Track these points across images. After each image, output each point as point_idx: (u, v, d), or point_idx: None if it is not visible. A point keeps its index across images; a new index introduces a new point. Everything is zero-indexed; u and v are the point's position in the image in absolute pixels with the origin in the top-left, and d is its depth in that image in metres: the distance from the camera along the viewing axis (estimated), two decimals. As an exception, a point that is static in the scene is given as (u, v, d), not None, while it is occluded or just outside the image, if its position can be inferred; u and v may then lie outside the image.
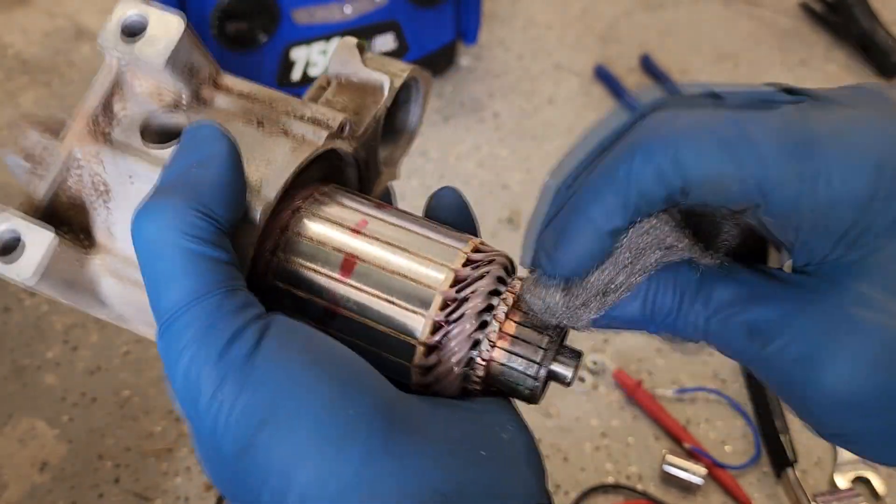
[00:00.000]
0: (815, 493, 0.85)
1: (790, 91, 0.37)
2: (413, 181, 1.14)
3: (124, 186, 0.44)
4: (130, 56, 0.43)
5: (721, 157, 0.34)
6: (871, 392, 0.34)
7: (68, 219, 0.44)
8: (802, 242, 0.35)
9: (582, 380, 0.93)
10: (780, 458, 0.87)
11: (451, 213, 0.47)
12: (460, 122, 1.22)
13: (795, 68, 1.34)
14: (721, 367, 0.96)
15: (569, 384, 0.42)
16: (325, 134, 0.45)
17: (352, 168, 0.50)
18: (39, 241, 0.41)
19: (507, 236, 1.08)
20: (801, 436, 0.90)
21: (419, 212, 0.48)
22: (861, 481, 0.87)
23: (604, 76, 1.28)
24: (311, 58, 1.14)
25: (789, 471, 0.86)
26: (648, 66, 1.31)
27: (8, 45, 1.29)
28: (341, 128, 0.46)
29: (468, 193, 1.18)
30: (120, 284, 0.43)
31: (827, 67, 1.34)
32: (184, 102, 0.45)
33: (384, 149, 0.53)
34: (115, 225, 0.43)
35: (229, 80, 0.47)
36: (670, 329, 0.39)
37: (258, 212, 0.41)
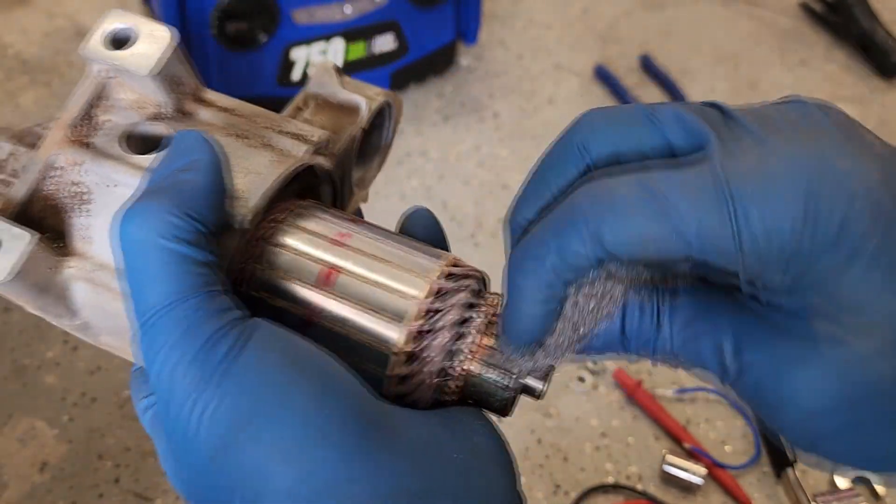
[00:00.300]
0: (815, 493, 0.85)
1: (719, 109, 0.37)
2: (413, 181, 1.14)
3: (105, 193, 0.44)
4: (117, 66, 0.44)
5: (639, 221, 0.35)
6: (830, 394, 0.36)
7: (41, 224, 0.44)
8: (747, 276, 0.36)
9: (582, 380, 0.93)
10: (780, 458, 0.87)
11: (424, 232, 0.48)
12: (460, 122, 1.22)
13: (795, 68, 1.34)
14: (721, 367, 0.96)
15: (539, 397, 0.43)
16: (305, 148, 0.46)
17: (327, 185, 0.51)
18: (16, 242, 0.41)
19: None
20: (801, 436, 0.90)
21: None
22: (861, 481, 0.87)
23: (604, 76, 1.28)
24: (311, 58, 1.14)
25: (789, 471, 0.86)
26: (648, 66, 1.31)
27: (8, 45, 1.29)
28: (322, 143, 0.47)
29: (468, 193, 1.17)
30: (93, 290, 0.44)
31: (827, 67, 1.34)
32: (166, 114, 0.46)
33: (356, 171, 0.55)
34: (92, 231, 0.44)
35: (211, 94, 0.48)
36: (646, 350, 0.41)
37: (243, 219, 0.42)
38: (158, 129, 0.46)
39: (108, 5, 1.34)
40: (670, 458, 0.86)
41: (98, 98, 0.46)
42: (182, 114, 0.47)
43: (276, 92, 1.14)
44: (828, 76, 1.33)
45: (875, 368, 0.35)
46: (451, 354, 0.42)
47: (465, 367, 0.42)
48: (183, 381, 0.36)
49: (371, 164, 0.57)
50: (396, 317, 0.42)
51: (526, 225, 0.40)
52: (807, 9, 1.42)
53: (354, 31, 1.14)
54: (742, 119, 0.37)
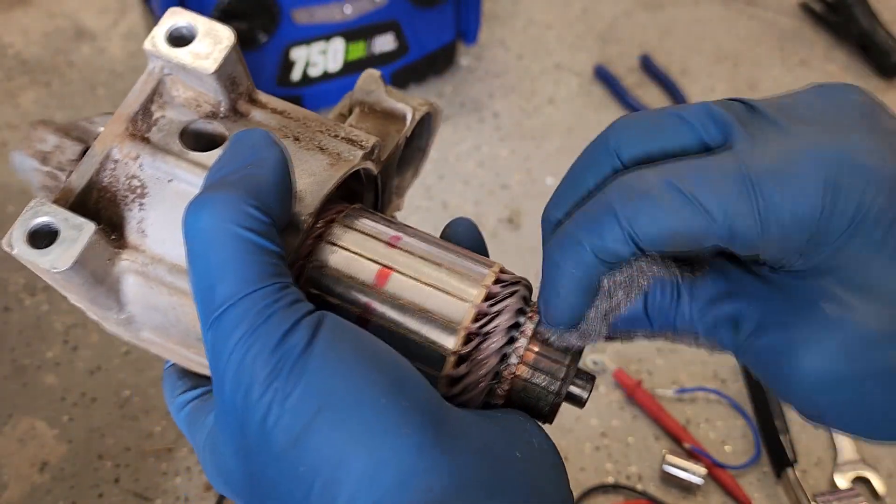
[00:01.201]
0: (815, 493, 0.85)
1: (744, 103, 0.40)
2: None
3: (161, 187, 0.45)
4: (176, 64, 0.44)
5: (669, 214, 0.37)
6: (837, 372, 0.39)
7: (97, 215, 0.44)
8: (768, 258, 0.38)
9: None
10: (780, 458, 0.87)
11: (468, 241, 0.49)
12: (460, 122, 1.22)
13: (795, 68, 1.34)
14: (721, 367, 0.96)
15: (583, 405, 0.44)
16: (360, 153, 0.47)
17: (370, 191, 0.52)
18: (77, 230, 0.42)
19: (507, 236, 1.08)
20: (801, 436, 0.90)
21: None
22: (861, 481, 0.87)
23: (604, 76, 1.28)
24: (311, 58, 1.14)
25: (789, 471, 0.86)
26: (648, 66, 1.31)
27: (8, 45, 1.29)
28: (374, 148, 0.48)
29: (468, 193, 1.17)
30: (146, 284, 0.44)
31: (827, 67, 1.35)
32: (222, 113, 0.47)
33: (396, 178, 0.56)
34: (148, 224, 0.44)
35: (263, 96, 0.49)
36: (668, 325, 0.43)
37: (303, 218, 0.43)
38: (215, 127, 0.47)
39: (109, 5, 1.35)
40: (670, 458, 0.86)
41: (156, 93, 0.47)
42: (237, 113, 0.47)
43: (276, 92, 1.13)
44: (828, 76, 1.33)
45: (880, 349, 0.38)
46: (503, 358, 0.43)
47: (515, 371, 0.43)
48: (263, 369, 0.36)
49: (406, 172, 0.58)
50: (452, 319, 0.43)
51: (559, 219, 0.42)
52: (807, 9, 1.42)
53: (354, 31, 1.14)
54: (766, 111, 0.39)
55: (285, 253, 0.40)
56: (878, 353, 0.38)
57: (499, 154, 1.19)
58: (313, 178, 0.44)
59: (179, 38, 0.45)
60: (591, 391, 0.45)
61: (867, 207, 0.36)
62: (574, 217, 0.40)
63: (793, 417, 0.91)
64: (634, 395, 0.92)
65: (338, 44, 1.14)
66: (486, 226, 1.09)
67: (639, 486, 0.87)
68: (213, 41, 0.45)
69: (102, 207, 0.45)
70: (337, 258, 0.44)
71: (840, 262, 0.38)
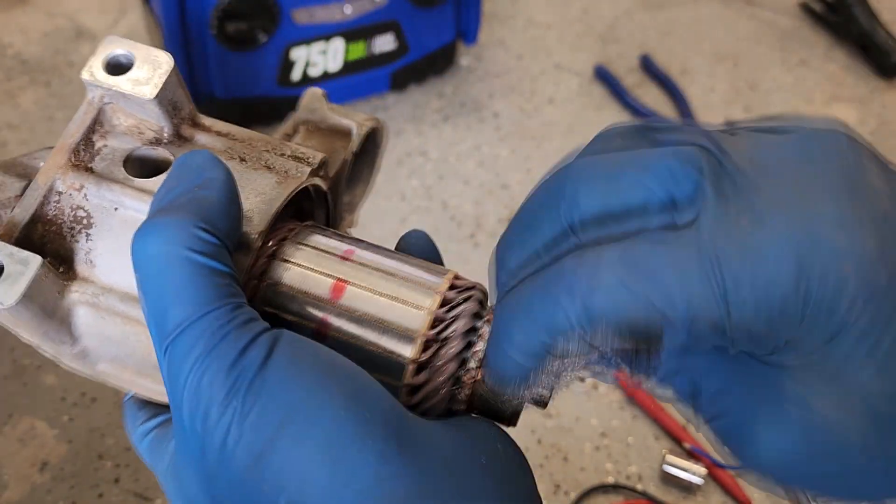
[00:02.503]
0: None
1: (713, 153, 0.36)
2: (413, 181, 1.14)
3: (108, 216, 0.44)
4: (116, 92, 0.45)
5: (627, 298, 0.35)
6: (798, 453, 0.37)
7: (43, 249, 0.44)
8: (732, 342, 0.36)
9: (582, 380, 0.93)
10: (780, 458, 0.87)
11: (421, 253, 0.49)
12: (460, 122, 1.22)
13: (795, 68, 1.34)
14: (721, 367, 0.96)
15: (545, 406, 0.44)
16: (307, 169, 0.47)
17: (321, 208, 0.52)
18: (23, 264, 0.41)
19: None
20: (801, 436, 0.90)
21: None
22: (861, 481, 0.87)
23: (604, 76, 1.28)
24: (311, 58, 1.14)
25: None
26: (648, 66, 1.31)
27: (8, 45, 1.29)
28: (321, 165, 0.48)
29: (468, 193, 1.17)
30: (97, 315, 0.44)
31: (827, 67, 1.35)
32: (165, 139, 0.47)
33: (345, 195, 0.56)
34: (96, 254, 0.44)
35: (207, 120, 0.49)
36: (625, 371, 0.41)
37: (253, 237, 0.43)
38: (160, 153, 0.47)
39: (109, 5, 1.35)
40: (670, 457, 0.86)
41: (97, 122, 0.46)
42: (180, 138, 0.47)
43: (276, 92, 1.13)
44: (828, 76, 1.33)
45: (842, 433, 0.36)
46: (462, 363, 0.43)
47: (475, 376, 0.43)
48: (220, 391, 0.36)
49: (356, 189, 0.58)
50: (409, 327, 0.43)
51: (513, 270, 0.40)
52: (807, 9, 1.42)
53: (354, 31, 1.14)
54: (737, 167, 0.36)
55: (237, 273, 0.40)
56: (840, 436, 0.36)
57: (499, 154, 1.19)
58: (262, 196, 0.44)
59: (118, 66, 0.45)
60: (554, 393, 0.43)
61: (839, 292, 0.34)
62: (528, 285, 0.38)
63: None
64: (634, 395, 0.92)
65: (338, 44, 1.14)
66: (485, 226, 1.09)
67: (639, 486, 0.87)
68: (152, 67, 0.45)
69: (48, 241, 0.44)
70: (290, 275, 0.44)
71: (810, 346, 0.35)
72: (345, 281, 0.44)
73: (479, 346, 0.43)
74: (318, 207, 0.52)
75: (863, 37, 1.34)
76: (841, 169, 0.36)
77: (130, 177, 0.45)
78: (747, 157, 0.36)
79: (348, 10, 1.13)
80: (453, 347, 0.43)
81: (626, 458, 0.89)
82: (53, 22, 1.33)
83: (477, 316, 0.44)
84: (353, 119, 0.54)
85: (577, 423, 0.91)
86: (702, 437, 0.90)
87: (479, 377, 0.43)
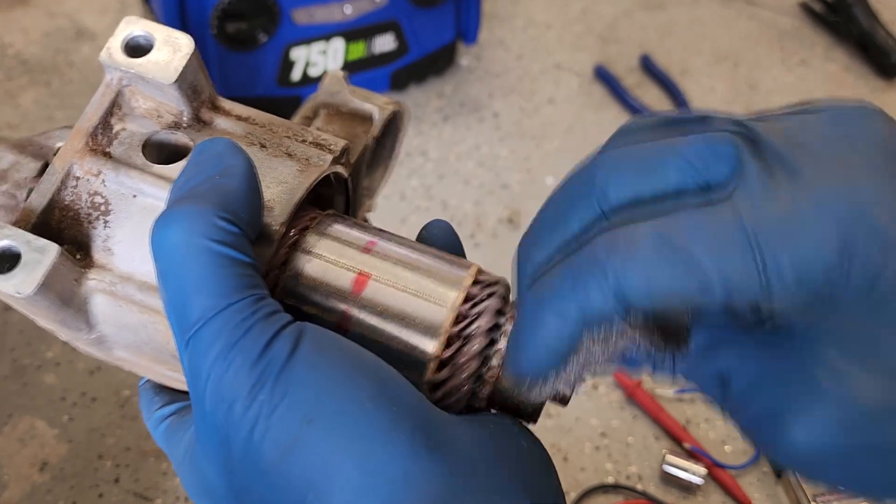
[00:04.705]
0: (815, 493, 0.85)
1: (749, 132, 0.36)
2: (413, 181, 1.14)
3: (126, 203, 0.43)
4: (135, 74, 0.43)
5: (662, 275, 0.34)
6: (831, 446, 0.36)
7: (60, 235, 0.43)
8: (768, 320, 0.35)
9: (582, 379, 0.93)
10: (780, 458, 0.87)
11: (444, 243, 0.48)
12: (460, 122, 1.22)
13: (795, 68, 1.34)
14: (721, 367, 0.96)
15: (566, 403, 0.43)
16: (329, 157, 0.45)
17: (341, 195, 0.51)
18: (40, 252, 0.40)
19: (507, 236, 1.08)
20: (801, 436, 0.90)
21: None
22: (861, 481, 0.87)
23: (604, 76, 1.28)
24: (311, 58, 1.14)
25: (789, 471, 0.86)
26: (648, 66, 1.31)
27: (8, 45, 1.29)
28: (343, 152, 0.47)
29: (468, 193, 1.17)
30: (114, 303, 0.43)
31: (827, 67, 1.35)
32: (184, 123, 0.45)
33: (365, 179, 0.54)
34: (114, 242, 0.43)
35: (227, 103, 0.47)
36: (648, 370, 0.42)
37: (275, 228, 0.42)
38: (179, 138, 0.45)
39: (109, 5, 1.35)
40: (670, 458, 0.86)
41: (115, 105, 0.45)
42: (200, 122, 0.46)
43: (276, 92, 1.13)
44: (828, 76, 1.33)
45: (878, 424, 0.35)
46: (484, 360, 0.42)
47: (497, 374, 0.42)
48: (245, 385, 0.35)
49: (376, 173, 0.57)
50: (431, 323, 0.42)
51: (540, 263, 0.38)
52: (807, 9, 1.42)
53: (354, 31, 1.14)
54: (773, 144, 0.35)
55: (259, 264, 0.39)
56: (875, 427, 0.35)
57: (499, 154, 1.19)
58: (283, 185, 0.43)
59: (137, 48, 0.44)
60: (577, 389, 0.42)
61: (880, 274, 0.33)
62: (558, 270, 0.37)
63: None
64: (634, 395, 0.92)
65: (338, 44, 1.14)
66: (485, 226, 1.09)
67: (639, 486, 0.87)
68: (173, 49, 0.43)
69: (66, 227, 0.43)
70: (312, 267, 0.43)
71: (843, 328, 0.34)
72: (367, 274, 0.43)
73: (502, 344, 0.42)
74: (337, 194, 0.50)
75: (863, 37, 1.34)
76: (879, 145, 0.35)
77: (149, 163, 0.44)
78: (782, 136, 0.35)
79: (348, 10, 1.13)
80: (476, 344, 0.42)
81: (626, 458, 0.89)
82: (54, 22, 1.33)
83: (500, 313, 0.43)
84: (375, 103, 0.52)
85: (577, 423, 0.91)
86: (702, 438, 0.90)
87: (500, 374, 0.42)
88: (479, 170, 1.16)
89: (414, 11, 1.16)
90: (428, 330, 0.42)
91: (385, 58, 1.19)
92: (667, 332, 0.38)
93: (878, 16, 1.35)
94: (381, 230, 0.46)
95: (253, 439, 0.35)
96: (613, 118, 1.23)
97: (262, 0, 1.06)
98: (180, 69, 0.43)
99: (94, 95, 0.45)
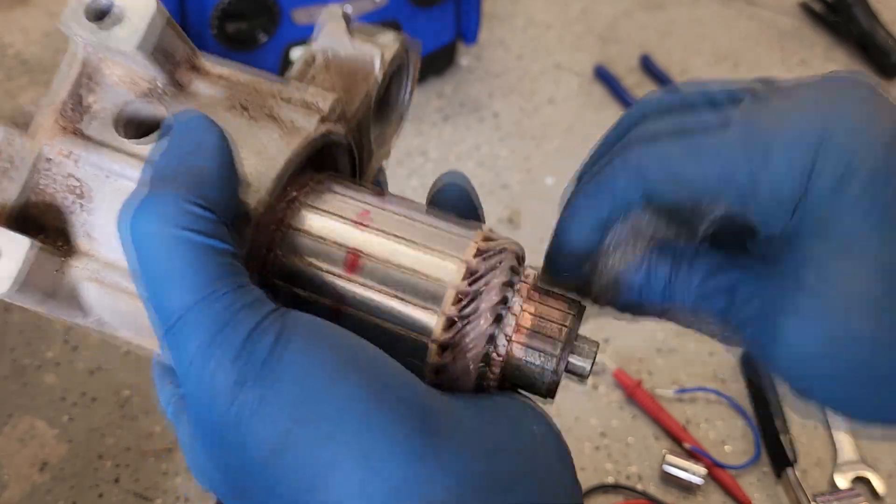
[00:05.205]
0: (815, 493, 0.85)
1: (764, 81, 0.43)
2: (413, 181, 1.14)
3: (102, 185, 0.41)
4: (98, 41, 0.40)
5: (674, 157, 0.41)
6: (817, 342, 0.38)
7: (43, 223, 0.41)
8: (762, 218, 0.39)
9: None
10: (780, 459, 0.87)
11: (455, 202, 0.46)
12: (460, 122, 1.22)
13: (795, 68, 1.34)
14: (721, 367, 0.96)
15: (586, 377, 0.41)
16: (315, 119, 0.42)
17: (343, 152, 0.47)
18: (14, 250, 0.38)
19: (507, 236, 1.08)
20: (801, 436, 0.90)
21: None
22: (861, 481, 0.87)
23: (604, 76, 1.28)
24: (311, 58, 1.14)
25: (789, 471, 0.86)
26: (648, 66, 1.31)
27: (8, 45, 1.29)
28: (333, 110, 0.43)
29: (468, 193, 1.14)
30: (102, 290, 0.41)
31: (827, 67, 1.34)
32: (160, 89, 0.42)
33: (375, 128, 0.50)
34: (93, 227, 0.41)
35: (208, 62, 0.44)
36: (668, 297, 0.44)
37: (252, 206, 0.39)
38: (154, 108, 0.42)
39: (108, 5, 1.35)
40: (670, 458, 0.86)
41: (85, 76, 0.42)
42: (178, 86, 0.43)
43: (276, 92, 1.13)
44: (828, 76, 1.33)
45: (860, 316, 0.38)
46: (491, 339, 0.39)
47: (507, 352, 0.40)
48: (226, 381, 0.34)
49: (390, 120, 0.52)
50: (431, 304, 0.39)
51: (580, 177, 0.46)
52: (807, 9, 1.41)
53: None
54: (776, 81, 0.42)
55: (238, 247, 0.37)
56: (857, 320, 0.37)
57: (499, 154, 1.19)
58: (263, 157, 0.40)
59: (97, 13, 0.40)
60: (594, 360, 0.41)
61: (855, 167, 0.37)
62: (598, 167, 0.43)
63: (793, 417, 0.91)
64: (634, 395, 0.92)
65: (338, 44, 1.14)
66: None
67: (639, 486, 0.87)
68: (133, 12, 0.39)
69: (45, 213, 0.41)
70: (301, 244, 0.40)
71: (824, 223, 0.38)
72: (359, 252, 0.40)
73: (511, 321, 0.39)
74: (340, 150, 0.46)
75: (863, 37, 1.34)
76: (862, 87, 0.40)
77: (123, 139, 0.41)
78: (787, 80, 0.43)
79: (348, 10, 1.12)
80: (481, 324, 0.39)
81: (626, 458, 0.89)
82: (54, 22, 1.33)
83: (508, 285, 0.40)
84: (376, 44, 0.47)
85: (577, 423, 0.91)
86: (702, 438, 0.90)
87: (511, 352, 0.40)
88: (478, 170, 1.16)
89: (414, 11, 1.16)
90: (428, 311, 0.39)
91: (385, 58, 1.19)
92: (681, 223, 0.42)
93: (878, 16, 1.35)
94: (379, 193, 0.43)
95: (240, 439, 0.34)
96: (613, 118, 1.22)
97: (262, 0, 1.06)
98: (142, 33, 0.39)
99: (61, 67, 0.42)
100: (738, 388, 0.94)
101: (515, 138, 1.20)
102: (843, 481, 0.86)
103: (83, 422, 0.89)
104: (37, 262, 0.38)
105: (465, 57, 1.31)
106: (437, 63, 1.26)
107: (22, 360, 0.93)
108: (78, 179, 0.41)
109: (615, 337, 0.97)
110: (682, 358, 0.96)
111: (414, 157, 1.17)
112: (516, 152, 1.19)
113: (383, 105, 0.51)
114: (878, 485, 0.86)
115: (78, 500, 0.83)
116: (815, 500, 0.84)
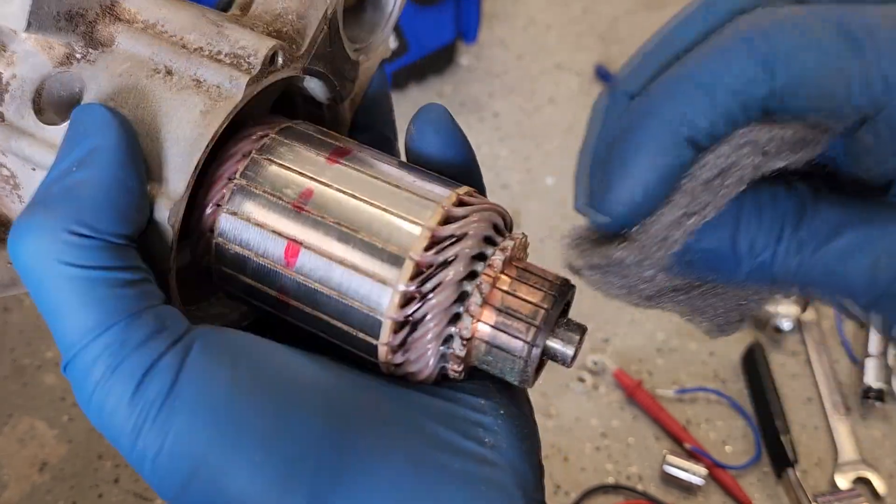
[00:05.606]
0: (816, 493, 0.85)
1: None
2: (413, 181, 1.14)
3: (28, 176, 0.38)
4: None
5: (838, 49, 0.28)
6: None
7: None
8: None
9: (582, 380, 0.93)
10: (780, 459, 0.87)
11: (437, 145, 0.39)
12: (460, 122, 1.22)
13: (796, 68, 1.34)
14: (721, 367, 0.96)
15: (569, 365, 0.36)
16: (244, 81, 0.36)
17: (313, 80, 0.42)
18: None
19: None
20: (801, 436, 0.90)
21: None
22: (862, 482, 0.87)
23: (604, 76, 1.28)
24: (311, 57, 1.13)
25: (790, 471, 0.86)
26: (649, 65, 1.31)
27: (8, 45, 1.29)
28: (270, 60, 0.38)
29: (468, 193, 1.13)
30: None
31: (827, 67, 1.34)
32: (78, 53, 0.38)
33: (362, 33, 0.44)
34: None
35: (133, 6, 0.39)
36: (763, 270, 0.32)
37: (165, 212, 0.36)
38: (72, 81, 0.38)
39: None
40: (670, 458, 0.86)
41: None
42: (96, 45, 0.38)
43: (276, 92, 1.13)
44: (828, 76, 1.33)
45: None
46: (456, 318, 0.36)
47: (472, 332, 0.36)
48: (125, 425, 0.33)
49: (375, 23, 0.46)
50: (387, 274, 0.35)
51: (631, 97, 0.32)
52: (807, 8, 1.41)
53: (354, 31, 1.14)
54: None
55: (141, 262, 0.34)
56: None
57: (499, 154, 1.19)
58: (181, 143, 0.36)
59: None
60: (579, 345, 0.36)
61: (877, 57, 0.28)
62: (669, 70, 0.31)
63: (793, 418, 0.91)
64: (635, 395, 0.92)
65: (338, 43, 1.14)
66: (486, 226, 1.09)
67: (639, 487, 0.87)
68: None
69: None
70: (239, 231, 0.37)
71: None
72: (298, 242, 0.37)
73: (478, 298, 0.35)
74: (306, 80, 0.42)
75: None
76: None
77: (40, 123, 0.37)
78: None
79: (348, 9, 1.12)
80: (441, 301, 0.35)
81: (627, 458, 0.89)
82: None
83: (480, 257, 0.36)
84: None
85: (577, 424, 0.91)
86: (702, 438, 0.90)
87: (476, 333, 0.36)
88: (479, 170, 1.16)
89: (414, 11, 1.16)
90: (382, 284, 0.35)
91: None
92: (786, 177, 0.31)
93: (879, 16, 1.35)
94: (339, 151, 0.39)
95: (150, 477, 0.33)
96: (614, 118, 1.23)
97: (262, 0, 1.06)
98: (27, 9, 0.35)
99: None
100: (738, 389, 0.94)
101: (515, 138, 1.20)
102: (843, 482, 0.86)
103: (83, 422, 0.89)
104: None
105: (465, 56, 1.31)
106: (437, 63, 1.26)
107: (22, 360, 0.93)
108: (9, 169, 0.38)
109: (615, 337, 0.97)
110: (682, 358, 0.96)
111: (414, 156, 1.17)
112: (516, 152, 1.19)
113: (362, 8, 0.45)
114: (879, 485, 0.86)
115: (78, 500, 0.83)
116: (815, 501, 0.84)
